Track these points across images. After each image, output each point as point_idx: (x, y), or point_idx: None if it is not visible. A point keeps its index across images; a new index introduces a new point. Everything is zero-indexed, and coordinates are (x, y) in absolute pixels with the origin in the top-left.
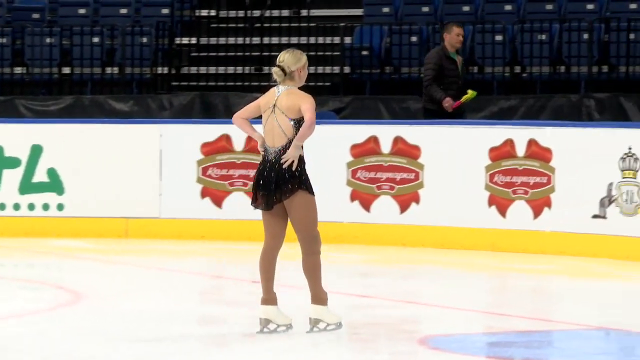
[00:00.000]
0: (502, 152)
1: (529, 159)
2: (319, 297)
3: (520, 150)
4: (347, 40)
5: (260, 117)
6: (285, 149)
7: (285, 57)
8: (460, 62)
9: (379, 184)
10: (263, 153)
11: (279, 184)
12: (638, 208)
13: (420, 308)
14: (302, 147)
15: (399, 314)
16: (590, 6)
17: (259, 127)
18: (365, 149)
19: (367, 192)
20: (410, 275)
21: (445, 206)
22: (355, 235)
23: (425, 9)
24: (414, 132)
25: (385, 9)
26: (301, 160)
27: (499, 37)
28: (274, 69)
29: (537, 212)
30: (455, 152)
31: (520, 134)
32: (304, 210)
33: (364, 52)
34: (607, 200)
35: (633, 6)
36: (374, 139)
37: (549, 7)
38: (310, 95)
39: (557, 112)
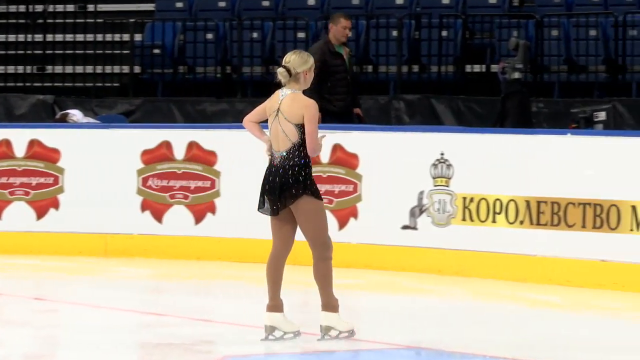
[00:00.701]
0: None
1: (334, 166)
2: (329, 304)
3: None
4: (137, 37)
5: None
6: (290, 153)
7: (292, 58)
8: (347, 55)
9: (172, 193)
10: (270, 157)
11: (283, 189)
12: (451, 218)
13: (215, 326)
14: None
15: (193, 333)
16: (399, 1)
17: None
18: (157, 155)
19: (159, 201)
20: (204, 291)
21: (242, 217)
22: (145, 248)
23: (222, 3)
24: (210, 137)
25: (179, 4)
26: (307, 165)
27: (209, 36)
28: (279, 70)
29: (342, 223)
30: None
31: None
32: (310, 216)
33: (156, 51)
34: (418, 210)
35: (445, 1)
36: (166, 144)
37: (355, 2)
38: (313, 100)
39: (364, 114)
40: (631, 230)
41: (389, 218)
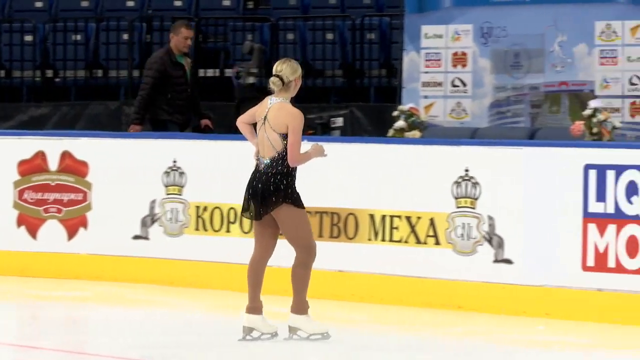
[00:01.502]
0: (33, 166)
1: (63, 174)
2: (299, 307)
3: (53, 164)
4: None
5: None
6: (273, 161)
7: (283, 67)
8: (189, 65)
9: (46, 207)
10: (257, 162)
11: (264, 196)
12: (184, 227)
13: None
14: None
15: None
16: (130, 3)
17: None
18: (33, 166)
19: (34, 215)
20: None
21: (115, 232)
22: (21, 266)
23: (39, 4)
24: (83, 146)
25: None
26: (289, 174)
27: (28, 38)
28: (273, 79)
29: (71, 233)
30: None
31: (53, 145)
32: (291, 224)
33: None
34: (150, 219)
35: (178, 3)
36: (41, 155)
37: (85, 4)
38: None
39: (93, 121)
40: (369, 239)
41: (120, 228)
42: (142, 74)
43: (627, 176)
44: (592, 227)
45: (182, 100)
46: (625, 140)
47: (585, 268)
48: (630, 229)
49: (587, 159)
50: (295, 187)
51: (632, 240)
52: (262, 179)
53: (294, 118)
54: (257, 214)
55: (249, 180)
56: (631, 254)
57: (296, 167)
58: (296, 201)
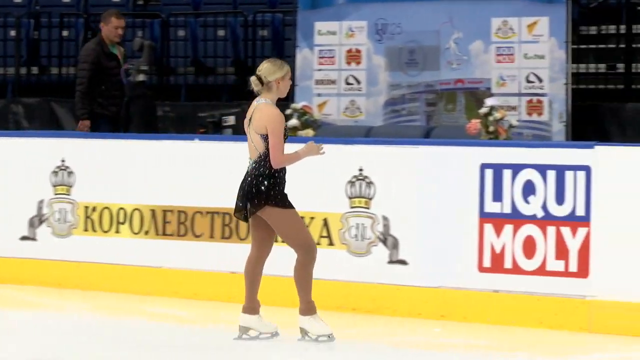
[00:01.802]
0: None
1: None
2: (305, 308)
3: None
4: None
5: None
6: (256, 163)
7: (263, 67)
8: (122, 55)
9: None
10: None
11: (248, 197)
12: (72, 228)
13: None
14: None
15: None
16: None
17: None
18: None
19: None
20: None
21: None
22: None
23: None
24: None
25: None
26: (271, 176)
27: None
28: (251, 78)
29: None
30: None
31: None
32: (280, 225)
33: None
34: (38, 220)
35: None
36: None
37: None
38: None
39: None
40: None
41: (7, 229)
42: (29, 71)
43: (524, 175)
44: (489, 228)
45: (116, 92)
46: (521, 139)
47: (482, 269)
48: (527, 230)
49: (483, 158)
50: (280, 189)
51: (529, 240)
52: (247, 180)
53: (272, 120)
54: (245, 215)
55: (241, 182)
56: (528, 254)
57: (283, 169)
58: (281, 202)
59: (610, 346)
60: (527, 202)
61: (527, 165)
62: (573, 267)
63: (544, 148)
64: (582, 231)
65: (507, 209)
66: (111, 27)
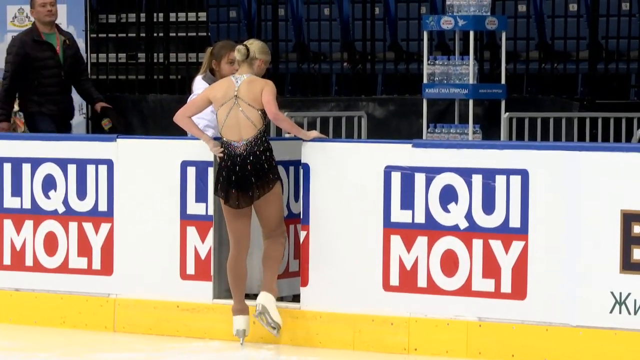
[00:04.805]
0: None
1: None
2: (272, 287)
3: None
4: None
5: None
6: (257, 139)
7: (254, 43)
8: (62, 44)
9: None
10: (224, 151)
11: (259, 176)
12: None
13: None
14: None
15: None
16: None
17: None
18: None
19: None
20: None
21: None
22: None
23: None
24: None
25: None
26: (270, 148)
27: None
28: (239, 47)
29: None
30: None
31: None
32: (278, 200)
33: None
34: None
35: None
36: None
37: None
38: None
39: None
40: None
41: None
42: None
43: (44, 170)
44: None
45: (53, 87)
46: None
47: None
48: (48, 225)
49: None
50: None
51: (50, 236)
52: (251, 160)
53: (266, 89)
54: (244, 201)
55: (227, 170)
56: (49, 251)
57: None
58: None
59: (137, 345)
60: (48, 197)
61: (48, 159)
62: (97, 264)
63: (65, 141)
64: (105, 227)
65: (27, 205)
66: (38, 7)
